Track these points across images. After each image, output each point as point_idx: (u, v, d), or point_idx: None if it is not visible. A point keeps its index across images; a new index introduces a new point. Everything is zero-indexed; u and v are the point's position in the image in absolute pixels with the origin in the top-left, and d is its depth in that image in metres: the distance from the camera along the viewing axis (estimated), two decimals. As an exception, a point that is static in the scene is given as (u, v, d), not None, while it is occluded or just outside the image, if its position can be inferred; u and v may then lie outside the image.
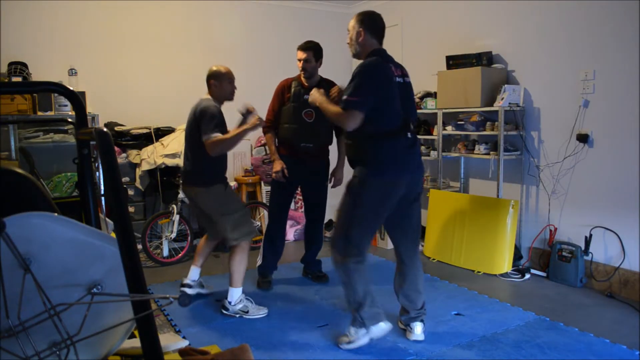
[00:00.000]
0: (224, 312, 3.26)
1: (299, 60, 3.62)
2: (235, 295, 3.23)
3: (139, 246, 4.26)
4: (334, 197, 4.10)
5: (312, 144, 3.64)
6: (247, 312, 3.24)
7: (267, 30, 5.74)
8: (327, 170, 3.88)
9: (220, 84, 3.22)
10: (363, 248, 2.74)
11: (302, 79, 3.68)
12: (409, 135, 2.69)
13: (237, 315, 3.24)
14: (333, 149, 3.91)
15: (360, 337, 2.73)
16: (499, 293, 3.63)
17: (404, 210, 2.78)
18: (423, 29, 5.27)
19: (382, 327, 2.73)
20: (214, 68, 3.26)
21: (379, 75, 2.57)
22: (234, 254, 3.21)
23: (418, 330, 2.84)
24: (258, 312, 3.25)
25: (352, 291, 2.70)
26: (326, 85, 3.54)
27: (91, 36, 4.82)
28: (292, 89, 3.65)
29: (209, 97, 3.25)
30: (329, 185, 3.90)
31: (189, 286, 3.55)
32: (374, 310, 2.72)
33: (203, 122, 3.04)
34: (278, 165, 3.65)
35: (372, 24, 2.69)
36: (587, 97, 3.76)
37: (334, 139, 3.84)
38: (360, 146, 2.71)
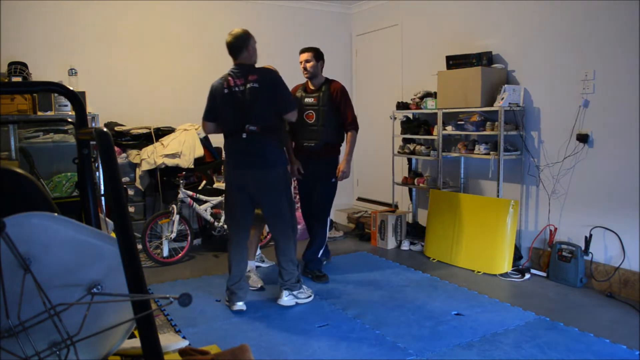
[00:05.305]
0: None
1: (301, 62, 3.89)
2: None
3: (139, 246, 4.26)
4: (337, 198, 4.16)
5: (313, 143, 3.89)
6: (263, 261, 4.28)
7: (267, 30, 5.74)
8: (332, 168, 3.99)
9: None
10: (231, 232, 3.34)
11: (308, 82, 3.97)
12: (244, 135, 3.16)
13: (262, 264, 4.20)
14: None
15: (231, 304, 3.34)
16: (499, 293, 3.63)
17: (258, 200, 3.30)
18: (423, 29, 5.27)
19: (237, 306, 3.30)
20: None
21: (211, 93, 3.29)
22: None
23: (282, 296, 3.39)
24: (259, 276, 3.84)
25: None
26: (329, 85, 3.91)
27: (91, 36, 4.82)
28: (297, 94, 3.95)
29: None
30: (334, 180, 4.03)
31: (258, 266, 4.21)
32: (233, 291, 3.30)
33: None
34: (293, 164, 3.94)
35: (228, 46, 3.24)
36: (587, 97, 3.76)
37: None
38: None
